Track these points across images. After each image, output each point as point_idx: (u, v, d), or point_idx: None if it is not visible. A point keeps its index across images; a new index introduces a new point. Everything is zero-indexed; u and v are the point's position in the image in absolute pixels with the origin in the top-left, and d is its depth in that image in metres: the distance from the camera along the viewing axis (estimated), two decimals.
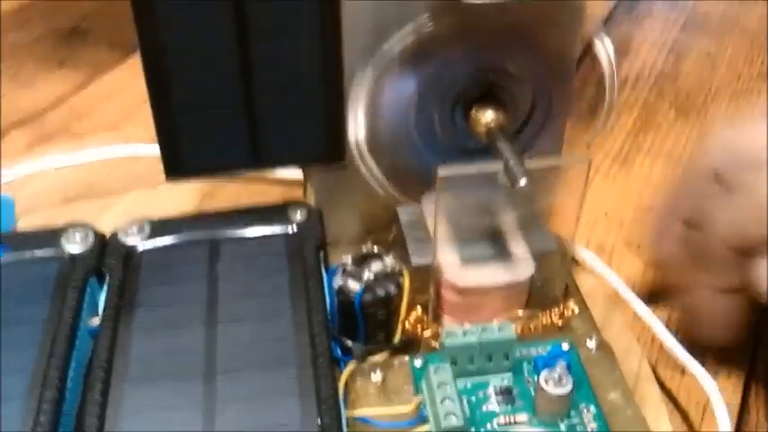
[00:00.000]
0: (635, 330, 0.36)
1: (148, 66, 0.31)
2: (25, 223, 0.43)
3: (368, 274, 0.32)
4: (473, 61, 0.33)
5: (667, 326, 0.35)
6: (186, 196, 0.45)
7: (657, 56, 0.63)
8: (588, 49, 0.34)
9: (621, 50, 0.63)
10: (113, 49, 0.63)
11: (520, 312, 0.34)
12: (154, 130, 0.33)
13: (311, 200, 0.37)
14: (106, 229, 0.35)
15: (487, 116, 0.33)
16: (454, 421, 0.28)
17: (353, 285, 0.32)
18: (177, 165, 0.34)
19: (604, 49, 0.33)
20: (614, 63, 0.33)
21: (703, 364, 0.33)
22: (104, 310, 0.31)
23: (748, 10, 0.69)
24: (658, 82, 0.59)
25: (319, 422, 0.27)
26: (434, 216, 0.31)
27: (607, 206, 0.46)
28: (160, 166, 0.34)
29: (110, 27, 0.66)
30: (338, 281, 0.32)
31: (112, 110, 0.56)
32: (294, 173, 0.41)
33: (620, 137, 0.53)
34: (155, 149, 0.34)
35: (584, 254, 0.38)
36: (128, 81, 0.59)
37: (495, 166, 0.30)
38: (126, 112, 0.55)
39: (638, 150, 0.51)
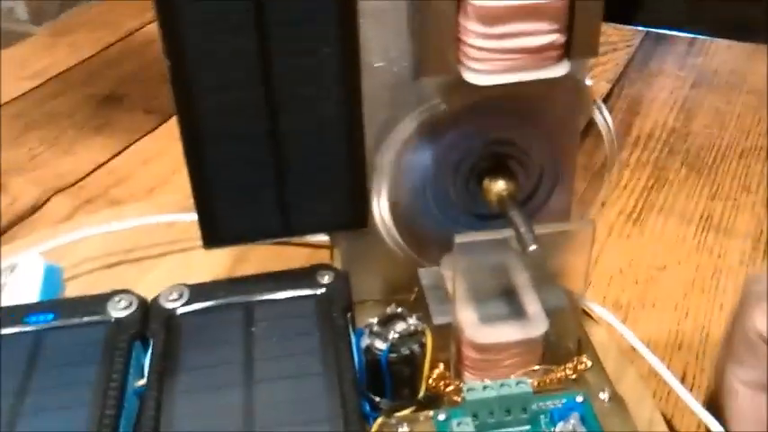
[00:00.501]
0: (650, 385, 0.37)
1: (188, 149, 0.33)
2: (71, 288, 0.44)
3: (393, 334, 0.34)
4: (483, 136, 0.35)
5: (683, 380, 0.36)
6: (219, 259, 0.46)
7: (668, 114, 0.64)
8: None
9: (633, 109, 0.65)
10: (149, 115, 0.65)
11: (536, 366, 0.35)
12: (187, 195, 0.34)
13: (338, 263, 0.39)
14: (146, 292, 0.36)
15: (499, 186, 0.35)
16: None
17: (380, 345, 0.34)
18: (214, 234, 0.36)
19: (604, 121, 0.35)
20: (613, 134, 0.35)
21: (719, 419, 0.34)
22: (149, 373, 0.32)
23: (755, 68, 0.70)
24: (670, 140, 0.61)
25: None
26: (453, 278, 0.33)
27: (622, 263, 0.48)
28: (195, 232, 0.35)
29: (145, 92, 0.68)
30: (365, 341, 0.34)
31: (148, 175, 0.58)
32: (321, 238, 0.43)
33: (633, 195, 0.54)
34: (190, 217, 0.36)
35: (599, 310, 0.40)
36: (162, 147, 0.61)
37: (507, 233, 0.32)
38: (161, 178, 0.57)
39: (650, 208, 0.53)
